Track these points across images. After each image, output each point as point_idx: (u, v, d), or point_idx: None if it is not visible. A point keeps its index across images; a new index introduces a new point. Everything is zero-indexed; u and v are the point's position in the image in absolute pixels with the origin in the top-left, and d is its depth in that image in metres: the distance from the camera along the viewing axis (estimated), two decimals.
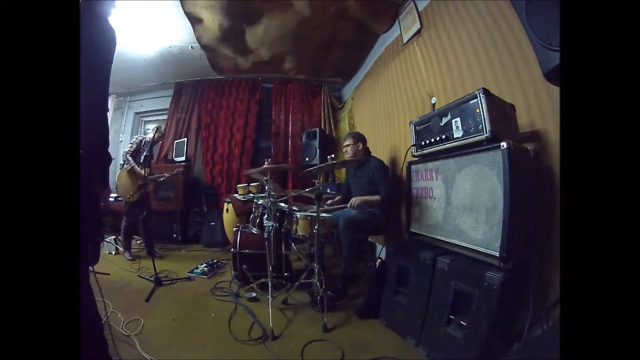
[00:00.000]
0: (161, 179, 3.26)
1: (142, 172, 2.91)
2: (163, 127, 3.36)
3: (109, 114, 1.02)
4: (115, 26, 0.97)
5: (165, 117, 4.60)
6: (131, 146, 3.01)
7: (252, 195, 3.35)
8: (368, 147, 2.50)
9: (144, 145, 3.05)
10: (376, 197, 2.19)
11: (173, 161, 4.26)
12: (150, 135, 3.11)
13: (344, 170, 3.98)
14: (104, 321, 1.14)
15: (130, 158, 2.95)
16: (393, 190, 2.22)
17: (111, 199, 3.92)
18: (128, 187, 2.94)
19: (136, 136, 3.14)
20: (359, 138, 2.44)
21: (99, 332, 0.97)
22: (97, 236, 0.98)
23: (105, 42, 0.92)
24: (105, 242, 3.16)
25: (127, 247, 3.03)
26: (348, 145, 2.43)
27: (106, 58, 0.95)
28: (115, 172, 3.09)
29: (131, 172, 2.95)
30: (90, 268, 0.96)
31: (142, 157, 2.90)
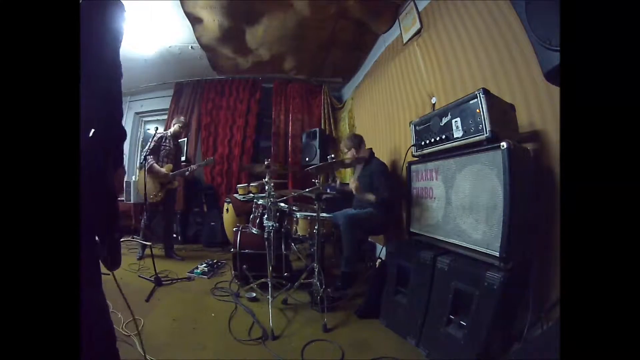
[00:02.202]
0: (187, 173, 3.06)
1: (163, 169, 2.83)
2: (183, 118, 3.21)
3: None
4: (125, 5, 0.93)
5: (165, 117, 4.60)
6: (150, 145, 2.86)
7: (252, 195, 3.35)
8: (370, 148, 2.50)
9: (164, 142, 2.96)
10: (372, 196, 2.22)
11: None
12: (171, 129, 3.05)
13: (344, 169, 4.00)
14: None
15: (149, 157, 2.81)
16: (391, 193, 2.21)
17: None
18: (150, 188, 2.79)
19: (155, 134, 2.95)
20: (354, 143, 2.42)
21: (110, 343, 0.89)
22: (114, 231, 0.85)
23: (114, 16, 0.86)
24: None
25: (143, 246, 2.95)
26: (346, 153, 2.45)
27: (116, 29, 0.86)
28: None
29: (150, 171, 2.81)
30: (106, 271, 0.86)
31: (143, 155, 2.80)
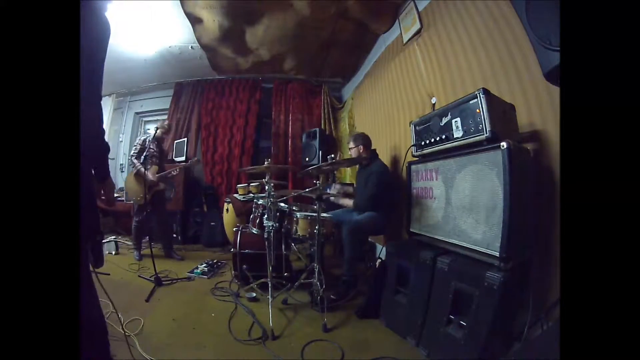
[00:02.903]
0: (171, 175, 3.13)
1: (148, 173, 2.87)
2: (166, 121, 3.24)
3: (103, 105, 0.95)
4: (111, 20, 0.94)
5: (165, 117, 4.60)
6: (135, 148, 2.94)
7: (252, 195, 3.35)
8: (375, 149, 2.49)
9: (147, 144, 2.98)
10: (349, 202, 2.32)
11: (173, 161, 4.26)
12: (154, 133, 3.05)
13: (344, 170, 4.00)
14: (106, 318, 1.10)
15: (135, 161, 2.88)
16: (370, 201, 2.20)
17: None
18: (137, 190, 2.87)
19: (139, 137, 3.04)
20: (361, 140, 2.43)
21: (101, 335, 0.94)
22: (96, 235, 0.92)
23: (99, 31, 0.89)
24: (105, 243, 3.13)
25: (137, 247, 3.02)
26: (351, 148, 2.46)
27: (99, 45, 0.90)
28: (117, 176, 3.03)
29: (137, 175, 2.88)
30: (92, 269, 0.92)
31: (143, 156, 2.84)
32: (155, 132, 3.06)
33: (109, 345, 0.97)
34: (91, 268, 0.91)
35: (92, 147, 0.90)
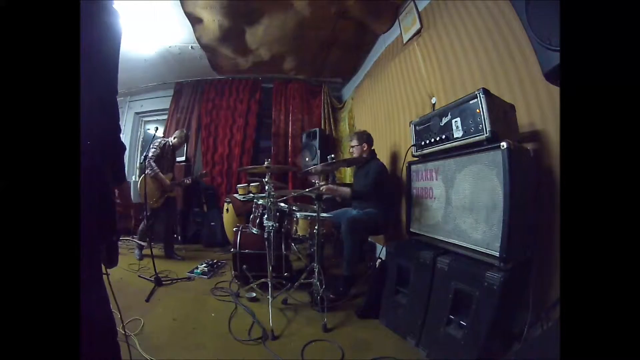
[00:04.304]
0: (184, 184, 3.24)
1: (166, 178, 2.91)
2: (185, 131, 3.27)
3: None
4: (122, 18, 0.93)
5: (165, 117, 4.60)
6: (154, 151, 2.90)
7: (252, 195, 3.35)
8: (374, 149, 2.50)
9: (166, 150, 3.01)
10: (346, 190, 2.28)
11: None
12: (171, 139, 3.10)
13: (344, 170, 4.00)
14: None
15: (153, 164, 2.86)
16: (371, 190, 2.24)
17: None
18: (151, 193, 2.87)
19: (158, 140, 3.01)
20: (364, 138, 2.44)
21: (111, 337, 0.93)
22: (111, 235, 0.91)
23: (111, 26, 0.87)
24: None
25: (140, 246, 3.03)
26: (353, 147, 2.46)
27: (113, 40, 0.88)
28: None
29: (155, 178, 2.88)
30: (106, 271, 0.91)
31: (146, 159, 2.84)
32: (174, 140, 3.10)
33: (119, 347, 0.96)
34: (104, 270, 0.90)
35: (107, 144, 0.88)
